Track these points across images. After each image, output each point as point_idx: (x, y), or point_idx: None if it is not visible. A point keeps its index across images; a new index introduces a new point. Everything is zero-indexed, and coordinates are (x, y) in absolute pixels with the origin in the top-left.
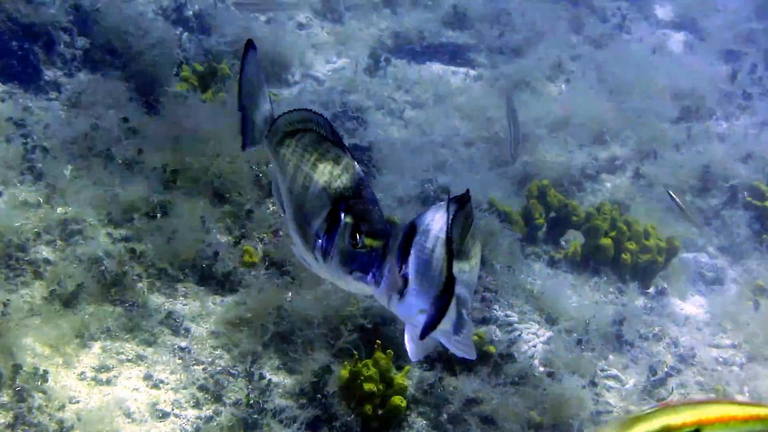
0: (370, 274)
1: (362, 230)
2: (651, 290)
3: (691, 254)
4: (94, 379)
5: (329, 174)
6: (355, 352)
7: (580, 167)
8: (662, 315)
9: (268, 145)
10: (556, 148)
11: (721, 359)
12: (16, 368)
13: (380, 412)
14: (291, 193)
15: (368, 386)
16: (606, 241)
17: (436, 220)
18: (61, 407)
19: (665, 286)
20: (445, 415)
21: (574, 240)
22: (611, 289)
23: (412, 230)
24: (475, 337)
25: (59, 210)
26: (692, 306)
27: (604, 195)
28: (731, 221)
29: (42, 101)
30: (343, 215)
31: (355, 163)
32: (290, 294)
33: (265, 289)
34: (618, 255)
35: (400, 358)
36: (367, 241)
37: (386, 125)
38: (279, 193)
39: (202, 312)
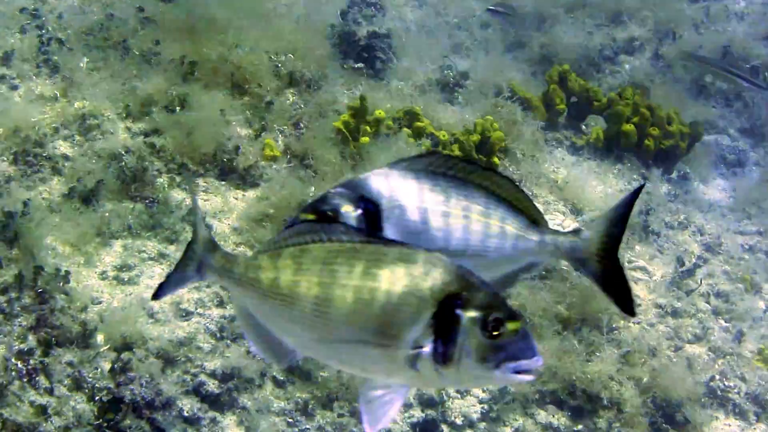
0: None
1: (500, 317)
2: (674, 175)
3: (712, 137)
4: (116, 278)
5: (409, 276)
6: None
7: (598, 48)
8: (686, 202)
9: (228, 276)
10: (573, 29)
11: (747, 246)
12: (38, 270)
13: None
14: (322, 316)
15: None
16: (629, 127)
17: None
18: (84, 308)
19: (688, 170)
20: None
21: (595, 126)
22: (635, 176)
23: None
24: None
25: (76, 104)
26: (715, 190)
27: (623, 77)
28: (753, 102)
29: None
30: (460, 311)
31: (439, 253)
32: (313, 188)
33: (287, 184)
34: (641, 141)
35: None
36: (510, 326)
37: (400, 6)
38: (255, 327)
39: (223, 207)
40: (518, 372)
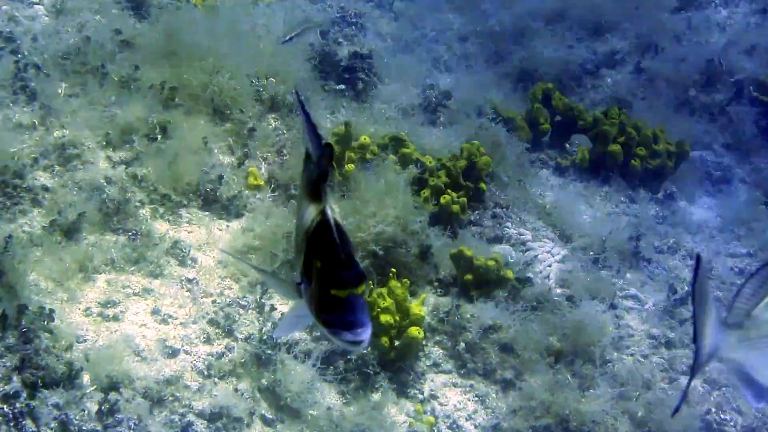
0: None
1: (328, 279)
2: (660, 195)
3: (696, 153)
4: (100, 315)
5: (309, 214)
6: (369, 282)
7: (580, 62)
8: (675, 224)
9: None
10: (554, 42)
11: (737, 269)
12: (22, 308)
13: (397, 343)
14: (293, 234)
15: (385, 318)
16: (615, 148)
17: None
18: (69, 347)
19: (674, 189)
20: (462, 344)
21: (580, 145)
22: (622, 198)
23: None
24: (491, 262)
25: (56, 133)
26: (702, 210)
27: (605, 91)
28: (737, 117)
29: (27, 9)
30: (313, 261)
31: (328, 205)
32: None
33: (273, 214)
34: (627, 161)
35: (413, 284)
36: (333, 292)
37: (375, 18)
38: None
39: (208, 240)
40: None
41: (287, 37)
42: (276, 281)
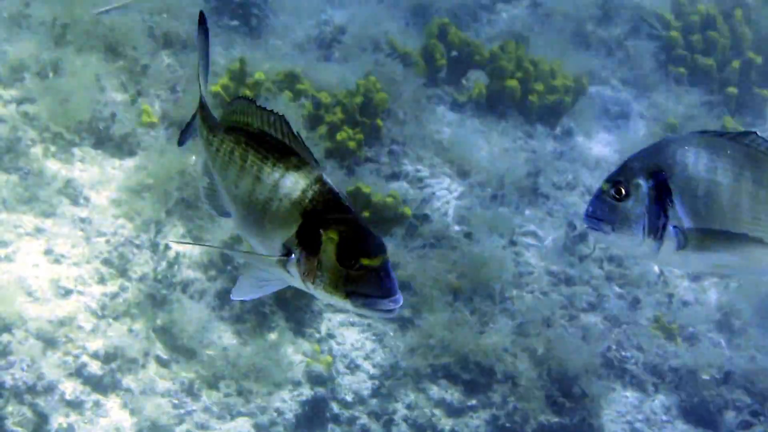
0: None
1: (356, 249)
2: (558, 131)
3: (594, 88)
4: None
5: (293, 183)
6: None
7: None
8: (573, 159)
9: (201, 132)
10: None
11: None
12: None
13: None
14: (237, 198)
15: None
16: (512, 83)
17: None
18: None
19: (572, 125)
20: None
21: (477, 81)
22: (519, 134)
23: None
24: (389, 199)
25: None
26: (600, 145)
27: (501, 27)
28: (635, 52)
29: None
30: (322, 231)
31: (323, 171)
32: (194, 157)
33: (167, 152)
34: (525, 96)
35: None
36: (365, 262)
37: None
38: (212, 190)
39: (101, 178)
40: None
41: (104, 9)
42: (255, 257)
